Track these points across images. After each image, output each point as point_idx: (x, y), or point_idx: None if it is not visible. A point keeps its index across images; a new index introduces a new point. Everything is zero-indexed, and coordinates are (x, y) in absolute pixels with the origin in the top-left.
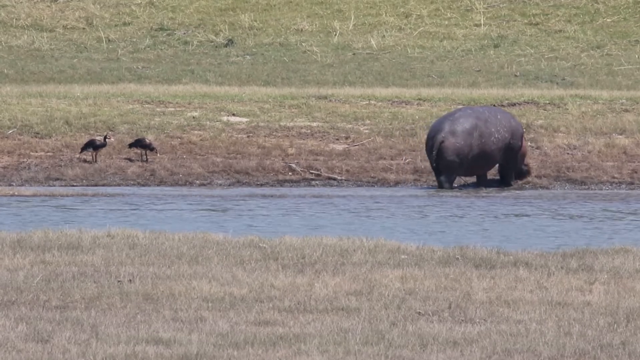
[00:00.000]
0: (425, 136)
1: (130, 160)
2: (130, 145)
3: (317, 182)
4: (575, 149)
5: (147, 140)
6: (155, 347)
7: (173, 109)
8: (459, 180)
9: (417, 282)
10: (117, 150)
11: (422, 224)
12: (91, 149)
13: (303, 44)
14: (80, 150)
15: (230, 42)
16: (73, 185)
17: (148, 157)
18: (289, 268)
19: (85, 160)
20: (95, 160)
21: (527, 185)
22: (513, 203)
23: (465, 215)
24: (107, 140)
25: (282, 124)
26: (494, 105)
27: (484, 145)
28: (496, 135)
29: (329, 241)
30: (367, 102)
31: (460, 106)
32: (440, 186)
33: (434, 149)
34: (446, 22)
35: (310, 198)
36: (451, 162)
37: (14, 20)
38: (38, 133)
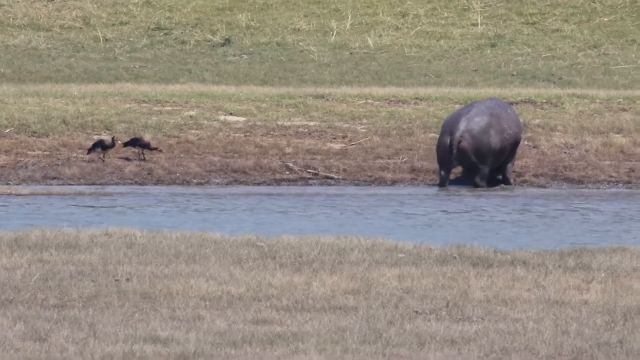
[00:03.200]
0: (439, 135)
1: (127, 159)
2: (126, 144)
3: (314, 181)
4: (572, 148)
5: (144, 139)
6: (152, 345)
7: (170, 108)
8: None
9: (414, 280)
10: (115, 149)
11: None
12: (99, 149)
13: (300, 43)
14: (87, 151)
15: (227, 42)
16: (70, 184)
17: (146, 155)
18: (287, 267)
19: (83, 160)
20: (103, 161)
21: (524, 184)
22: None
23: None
24: (115, 141)
25: (279, 123)
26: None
27: (500, 143)
28: (508, 132)
29: (326, 240)
30: (364, 102)
31: (457, 106)
32: (442, 184)
33: (454, 148)
34: (443, 22)
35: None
36: (472, 162)
37: (11, 19)
38: (35, 132)
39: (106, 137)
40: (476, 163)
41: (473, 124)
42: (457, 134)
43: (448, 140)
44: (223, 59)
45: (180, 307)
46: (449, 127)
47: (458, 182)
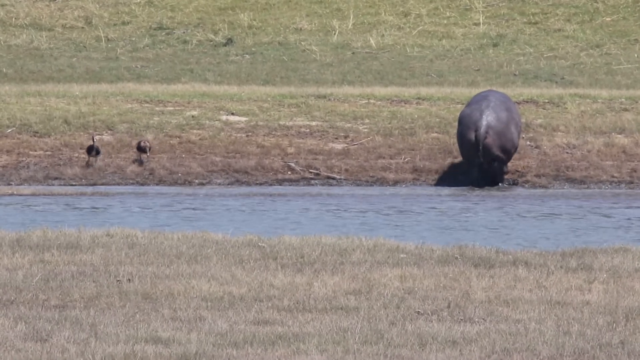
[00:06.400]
0: (456, 131)
1: (129, 159)
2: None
3: (316, 181)
4: (574, 148)
5: (142, 142)
6: (154, 346)
7: (172, 108)
8: (453, 179)
9: (416, 281)
10: (117, 150)
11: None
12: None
13: (302, 43)
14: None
15: (229, 41)
16: (72, 184)
17: (147, 156)
18: (288, 267)
19: (85, 159)
20: (142, 162)
21: (526, 185)
22: None
23: None
24: (147, 148)
25: (281, 123)
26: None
27: (517, 137)
28: (519, 125)
29: (328, 240)
30: (366, 101)
31: (459, 106)
32: (496, 181)
33: (480, 144)
34: (445, 21)
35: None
36: (496, 157)
37: (13, 19)
38: (37, 132)
39: (145, 140)
40: (501, 158)
41: (495, 119)
42: (482, 130)
43: (473, 136)
44: (225, 58)
45: (181, 307)
46: (471, 122)
47: (453, 180)
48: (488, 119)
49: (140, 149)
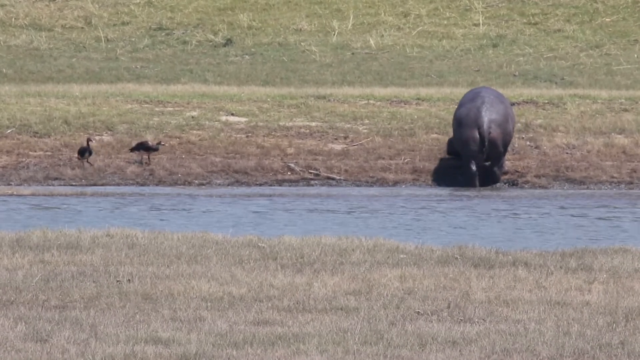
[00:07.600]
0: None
1: (129, 160)
2: (132, 150)
3: (316, 181)
4: (574, 148)
5: (149, 142)
6: (154, 346)
7: (172, 108)
8: (450, 180)
9: (416, 281)
10: (117, 150)
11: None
12: (142, 150)
13: (302, 43)
14: (130, 150)
15: (229, 42)
16: (72, 185)
17: (150, 158)
18: (288, 268)
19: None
20: (149, 163)
21: (525, 185)
22: None
23: None
24: (159, 145)
25: (281, 123)
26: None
27: (512, 130)
28: (514, 119)
29: (327, 241)
30: (366, 102)
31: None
32: (495, 179)
33: (485, 140)
34: (445, 22)
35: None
36: (500, 152)
37: (13, 19)
38: (37, 132)
39: (150, 139)
40: (502, 153)
41: (495, 114)
42: (485, 127)
43: (476, 134)
44: (225, 59)
45: (181, 308)
46: (470, 121)
47: (453, 181)
48: (487, 113)
49: (147, 148)
